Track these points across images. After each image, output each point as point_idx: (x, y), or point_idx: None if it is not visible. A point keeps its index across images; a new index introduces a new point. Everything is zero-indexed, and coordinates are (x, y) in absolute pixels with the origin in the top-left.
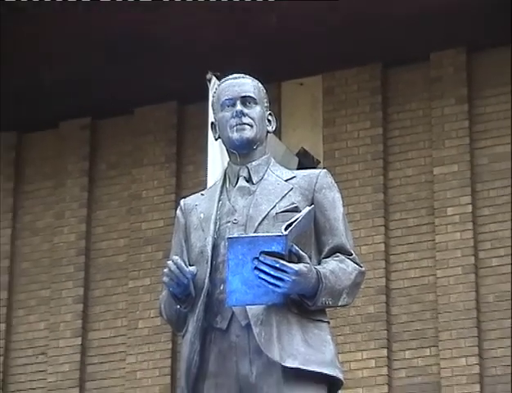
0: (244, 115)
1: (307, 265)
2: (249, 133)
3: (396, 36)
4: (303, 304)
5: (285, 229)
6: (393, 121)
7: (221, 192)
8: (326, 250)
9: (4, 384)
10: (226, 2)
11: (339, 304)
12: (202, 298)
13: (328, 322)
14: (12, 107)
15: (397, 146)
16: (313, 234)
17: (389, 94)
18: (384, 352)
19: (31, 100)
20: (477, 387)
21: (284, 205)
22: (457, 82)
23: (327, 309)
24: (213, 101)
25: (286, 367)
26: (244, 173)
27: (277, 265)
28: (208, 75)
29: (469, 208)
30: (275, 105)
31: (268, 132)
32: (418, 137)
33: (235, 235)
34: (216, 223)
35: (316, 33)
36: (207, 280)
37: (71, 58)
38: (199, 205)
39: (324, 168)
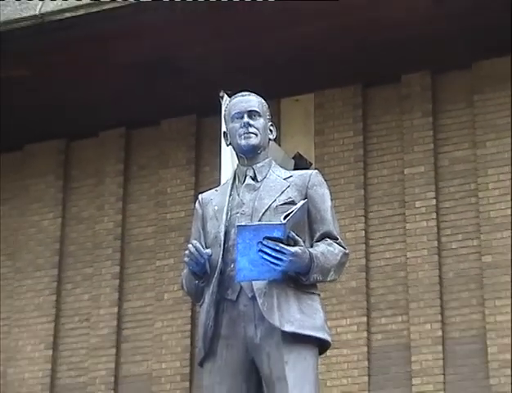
0: (250, 125)
1: (302, 248)
2: (254, 140)
3: (373, 61)
4: (299, 280)
5: (284, 219)
6: (371, 131)
7: (231, 189)
8: (317, 235)
9: (54, 345)
10: (237, 34)
11: (328, 279)
12: (216, 275)
13: (319, 295)
14: (62, 118)
15: (374, 151)
16: (307, 223)
17: (368, 109)
18: (364, 319)
19: (77, 112)
20: (439, 348)
21: (283, 199)
22: (423, 99)
23: (318, 284)
24: (225, 114)
25: (285, 331)
26: (250, 173)
27: (277, 248)
28: (221, 93)
29: (433, 201)
30: (275, 117)
31: (270, 139)
32: (392, 144)
33: (243, 223)
34: (227, 213)
35: (309, 58)
36: (220, 260)
37: (109, 78)
38: (213, 199)
39: (315, 169)
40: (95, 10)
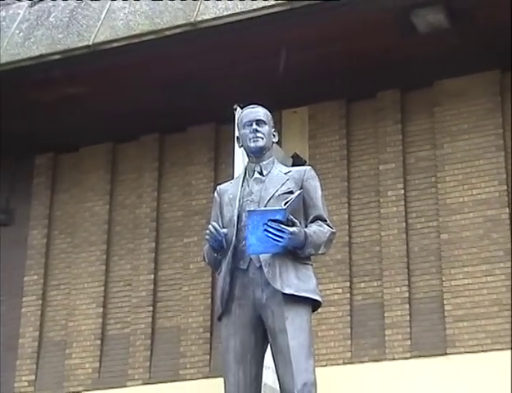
0: (257, 131)
1: (298, 228)
2: (261, 143)
3: (355, 81)
4: (296, 253)
5: (284, 205)
6: (353, 135)
7: (243, 181)
8: (310, 218)
9: (104, 303)
10: (246, 60)
11: (319, 253)
12: (231, 249)
13: (311, 265)
14: (110, 125)
15: (355, 152)
16: (302, 208)
17: (351, 118)
18: (347, 284)
19: (122, 121)
20: (406, 306)
21: (283, 189)
22: (394, 110)
23: (311, 256)
24: (238, 122)
25: (285, 293)
26: (257, 168)
27: (279, 228)
28: (235, 106)
29: (402, 191)
30: (277, 125)
31: (273, 142)
32: (369, 146)
33: (252, 208)
34: (240, 200)
35: (305, 79)
36: (234, 238)
37: (147, 94)
38: (228, 190)
39: (309, 165)
40: (135, 40)
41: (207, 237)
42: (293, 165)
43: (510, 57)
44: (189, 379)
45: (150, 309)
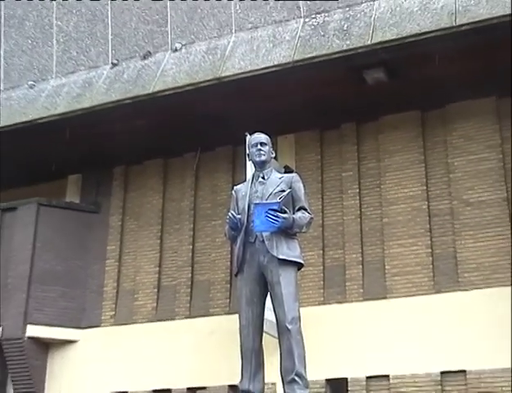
0: (261, 150)
1: (288, 214)
2: (263, 157)
3: (327, 116)
4: (287, 231)
5: (279, 199)
6: (325, 153)
7: (251, 183)
8: (296, 208)
9: (159, 264)
10: (249, 103)
11: (302, 231)
12: (243, 229)
13: (297, 239)
14: (160, 147)
15: (326, 164)
16: (291, 201)
17: (323, 142)
18: (321, 252)
19: (164, 145)
20: (360, 267)
21: (278, 189)
22: (353, 138)
23: (297, 234)
24: (248, 144)
25: (280, 258)
26: (261, 175)
27: (275, 215)
28: (246, 133)
29: (357, 190)
30: (274, 146)
31: (271, 157)
32: (336, 160)
33: (257, 201)
34: (249, 196)
35: (292, 117)
36: (245, 221)
37: (190, 124)
38: (241, 189)
39: (296, 173)
40: (179, 90)
41: (227, 220)
42: (285, 173)
43: (429, 100)
44: (216, 315)
45: (190, 268)
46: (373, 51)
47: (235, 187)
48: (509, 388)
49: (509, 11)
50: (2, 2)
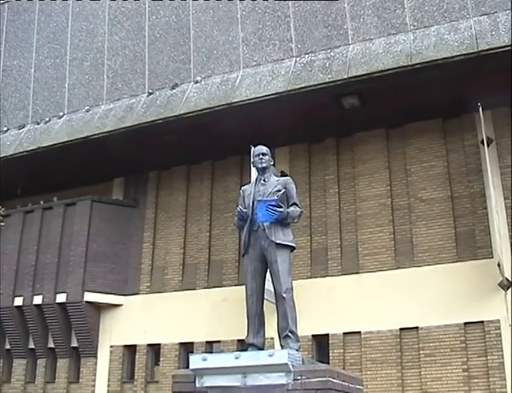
0: (262, 158)
1: (284, 209)
2: (264, 164)
3: (313, 133)
4: (282, 222)
5: (276, 197)
6: (312, 161)
7: (255, 185)
8: (290, 204)
9: (184, 246)
10: (251, 125)
11: (294, 221)
12: (248, 220)
13: (290, 228)
14: (185, 157)
15: (313, 170)
16: (285, 199)
17: (311, 153)
18: (309, 237)
19: (189, 157)
20: (338, 249)
21: (275, 189)
22: (334, 150)
23: (291, 223)
24: (252, 154)
25: (277, 243)
26: (262, 178)
27: (274, 209)
28: (250, 146)
29: (337, 189)
30: (272, 155)
31: (270, 164)
32: (320, 166)
33: (259, 199)
34: (253, 195)
35: (287, 132)
36: (250, 214)
37: (206, 141)
38: (247, 189)
39: (289, 177)
40: (197, 113)
41: (236, 213)
42: (281, 177)
43: (392, 121)
44: (228, 286)
45: (207, 250)
46: (349, 82)
47: (242, 188)
48: (450, 339)
49: (454, 54)
50: (68, 48)
